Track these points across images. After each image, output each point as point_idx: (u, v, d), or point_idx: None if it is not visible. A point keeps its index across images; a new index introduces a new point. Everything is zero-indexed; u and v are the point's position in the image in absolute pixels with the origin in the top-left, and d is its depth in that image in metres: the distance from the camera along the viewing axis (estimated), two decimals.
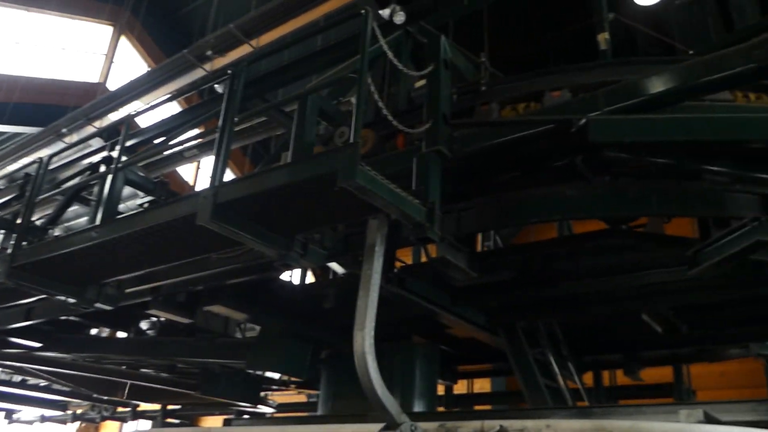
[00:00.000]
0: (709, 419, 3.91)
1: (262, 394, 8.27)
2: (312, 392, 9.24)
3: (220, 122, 3.64)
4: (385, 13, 5.09)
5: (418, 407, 5.54)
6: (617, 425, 3.00)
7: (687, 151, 3.59)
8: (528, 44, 13.72)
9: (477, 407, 8.93)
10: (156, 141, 6.33)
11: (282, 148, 5.19)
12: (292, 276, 7.07)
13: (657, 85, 3.22)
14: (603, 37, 4.58)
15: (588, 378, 7.17)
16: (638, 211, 3.74)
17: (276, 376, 7.14)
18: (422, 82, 4.31)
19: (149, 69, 13.54)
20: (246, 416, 8.48)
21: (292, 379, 7.26)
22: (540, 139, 3.47)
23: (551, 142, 3.51)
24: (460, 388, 8.88)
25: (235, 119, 3.69)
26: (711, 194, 3.57)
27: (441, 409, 7.59)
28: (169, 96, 8.01)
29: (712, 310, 5.40)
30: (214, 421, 12.34)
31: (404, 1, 5.46)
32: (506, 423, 3.14)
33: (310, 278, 7.46)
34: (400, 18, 5.04)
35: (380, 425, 3.30)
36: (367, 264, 3.45)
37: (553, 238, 5.92)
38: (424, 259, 6.01)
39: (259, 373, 6.78)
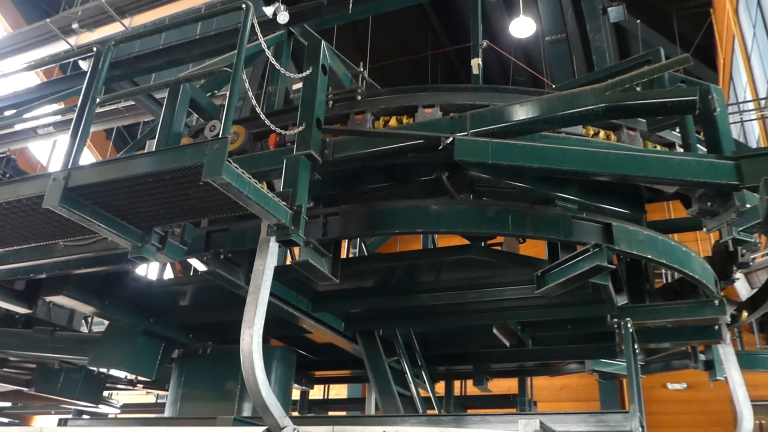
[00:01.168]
0: (545, 429, 4.19)
1: (106, 393, 7.81)
2: (162, 393, 8.85)
3: (79, 101, 3.41)
4: (268, 10, 5.01)
5: None
6: None
7: (542, 178, 3.84)
8: (408, 60, 14.09)
9: (331, 413, 8.97)
10: (6, 113, 5.81)
11: (148, 135, 4.95)
12: (149, 270, 6.75)
13: (519, 114, 3.42)
14: (476, 63, 4.80)
15: (440, 387, 7.45)
16: (495, 230, 3.92)
17: (122, 374, 6.77)
18: (300, 85, 4.29)
19: (6, 34, 12.43)
20: (86, 416, 7.95)
21: (140, 378, 6.91)
22: (409, 153, 3.56)
23: (420, 156, 3.62)
24: (316, 393, 8.88)
25: (98, 99, 3.47)
26: (560, 220, 3.82)
27: (295, 413, 7.54)
28: (26, 66, 7.38)
29: (555, 328, 5.79)
30: (50, 420, 11.47)
31: (290, 2, 5.41)
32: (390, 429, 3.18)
33: (169, 274, 7.16)
34: (283, 17, 4.99)
35: (262, 428, 3.24)
36: (259, 259, 3.39)
37: (417, 249, 6.10)
38: (288, 261, 5.97)
39: (103, 371, 6.39)
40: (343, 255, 6.29)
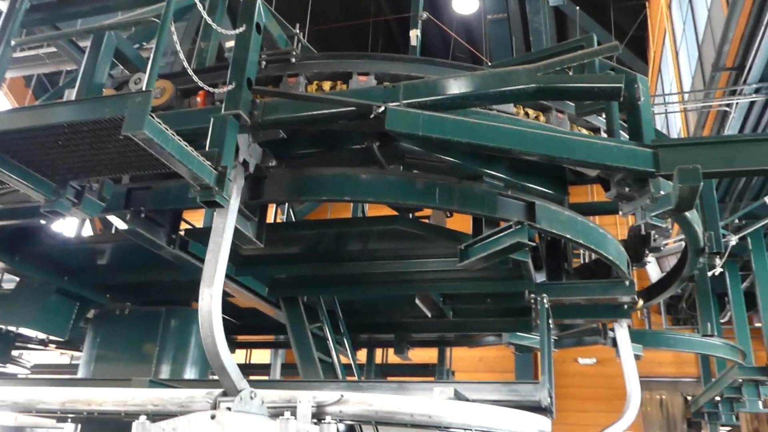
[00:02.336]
0: (459, 396, 4.30)
1: (16, 353, 7.52)
2: (77, 354, 8.59)
3: None
4: None
5: (190, 374, 5.41)
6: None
7: (471, 154, 3.89)
8: (350, 26, 13.91)
9: (252, 378, 8.95)
10: None
11: (69, 85, 4.71)
12: (66, 226, 6.48)
13: (453, 88, 3.43)
14: (414, 34, 4.78)
15: (362, 355, 7.55)
16: (423, 202, 3.96)
17: (33, 334, 6.51)
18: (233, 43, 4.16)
19: None
20: None
21: (52, 338, 6.67)
22: (341, 120, 3.53)
23: (352, 124, 3.59)
24: (238, 358, 8.81)
25: (13, 42, 3.26)
26: (486, 196, 3.89)
27: (214, 377, 7.47)
28: None
29: (475, 301, 5.94)
30: None
31: None
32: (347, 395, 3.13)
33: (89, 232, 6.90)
34: None
35: (218, 390, 3.13)
36: (219, 217, 3.30)
37: (345, 218, 6.10)
38: None
39: (12, 329, 6.13)
40: (270, 220, 6.25)
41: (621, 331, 5.86)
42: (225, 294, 5.46)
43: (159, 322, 5.31)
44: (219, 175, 3.21)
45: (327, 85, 3.93)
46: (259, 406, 3.08)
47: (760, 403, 8.87)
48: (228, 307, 6.18)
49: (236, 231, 3.64)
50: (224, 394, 3.10)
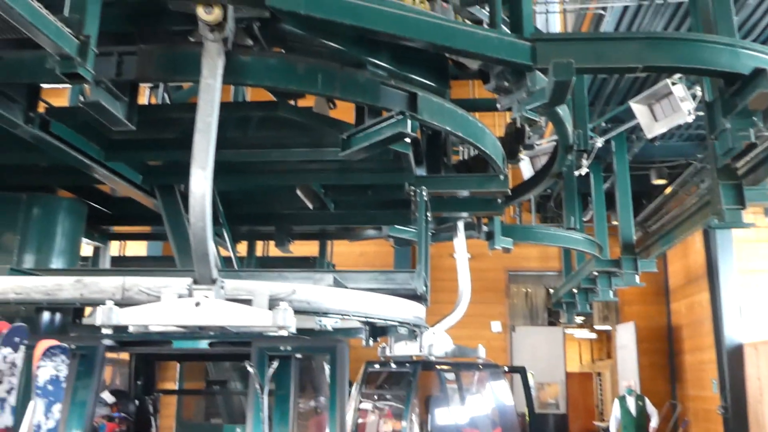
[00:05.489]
0: (337, 285, 4.42)
1: None
2: None
3: None
4: None
5: (57, 266, 5.16)
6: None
7: (355, 40, 3.80)
8: None
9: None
10: None
11: None
12: None
13: None
14: None
15: (242, 248, 7.51)
16: (304, 88, 3.87)
17: None
18: None
19: None
20: None
21: None
22: None
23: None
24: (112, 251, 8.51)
25: None
26: (369, 84, 3.85)
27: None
28: None
29: (356, 193, 6.02)
30: None
31: None
32: None
33: None
34: None
35: (188, 279, 3.05)
36: (204, 96, 3.10)
37: (225, 102, 5.83)
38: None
39: None
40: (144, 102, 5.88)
41: (458, 242, 6.33)
42: (93, 181, 5.18)
43: (19, 210, 4.97)
44: (81, 44, 2.93)
45: None
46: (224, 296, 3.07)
47: (611, 292, 9.86)
48: (98, 195, 5.88)
49: (103, 109, 3.41)
50: (202, 281, 3.03)
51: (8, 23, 2.62)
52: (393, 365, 7.21)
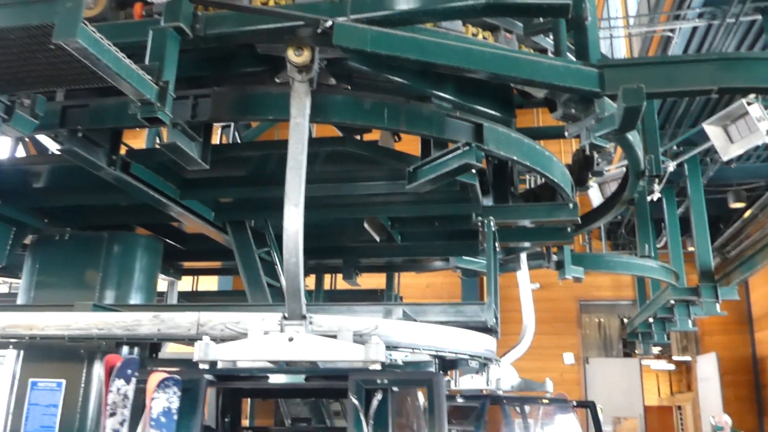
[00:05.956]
0: (407, 318, 4.40)
1: None
2: (15, 281, 8.37)
3: None
4: None
5: (135, 301, 5.35)
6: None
7: (419, 74, 3.84)
8: None
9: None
10: None
11: None
12: None
13: (401, 3, 3.35)
14: None
15: (310, 281, 7.60)
16: (371, 122, 3.92)
17: None
18: None
19: None
20: None
21: None
22: (287, 35, 3.41)
23: (297, 40, 3.48)
24: (185, 285, 8.77)
25: None
26: (435, 116, 3.88)
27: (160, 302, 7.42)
28: None
29: (423, 224, 6.01)
30: None
31: None
32: None
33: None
34: None
35: (278, 314, 3.16)
36: (296, 109, 3.24)
37: None
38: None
39: None
40: (216, 142, 6.10)
41: (521, 274, 6.20)
42: (169, 218, 5.38)
43: (101, 248, 5.19)
44: (160, 90, 3.08)
45: (271, 1, 3.78)
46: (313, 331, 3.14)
47: (689, 321, 9.43)
48: (173, 232, 6.09)
49: (180, 151, 3.55)
50: (292, 317, 3.11)
51: (96, 74, 2.79)
52: (459, 399, 7.08)
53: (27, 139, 5.73)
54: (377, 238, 5.89)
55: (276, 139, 7.15)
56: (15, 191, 4.94)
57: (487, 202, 5.17)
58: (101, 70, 2.76)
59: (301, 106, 3.32)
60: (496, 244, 5.18)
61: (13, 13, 2.65)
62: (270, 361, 3.13)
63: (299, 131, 3.28)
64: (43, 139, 5.57)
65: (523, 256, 6.49)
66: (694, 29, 6.42)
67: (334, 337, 3.09)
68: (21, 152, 6.13)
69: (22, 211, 5.09)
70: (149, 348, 4.52)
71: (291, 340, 3.00)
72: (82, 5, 2.52)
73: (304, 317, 3.11)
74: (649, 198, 7.09)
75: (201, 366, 2.96)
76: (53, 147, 4.52)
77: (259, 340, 3.04)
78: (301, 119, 3.30)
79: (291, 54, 3.29)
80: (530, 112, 10.48)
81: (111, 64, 2.73)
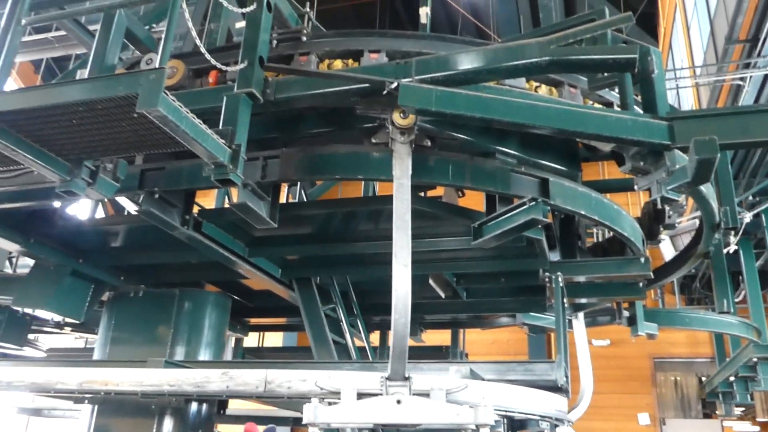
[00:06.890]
0: (474, 376, 4.31)
1: (32, 336, 7.59)
2: (92, 337, 8.66)
3: (2, 21, 3.20)
4: None
5: (204, 357, 5.45)
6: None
7: (483, 130, 3.86)
8: (353, 5, 13.84)
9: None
10: None
11: (80, 66, 4.71)
12: (79, 209, 6.51)
13: (465, 63, 3.41)
14: (424, 11, 4.74)
15: (375, 338, 7.56)
16: (435, 180, 3.94)
17: (49, 316, 6.57)
18: (243, 24, 4.15)
19: None
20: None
21: (68, 320, 6.72)
22: (353, 97, 3.51)
23: (364, 101, 3.57)
24: (251, 341, 8.88)
25: (23, 21, 3.26)
26: (499, 172, 3.87)
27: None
28: None
29: (489, 280, 5.92)
30: None
31: None
32: None
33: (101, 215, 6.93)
34: None
35: (381, 374, 3.16)
36: (399, 195, 3.28)
37: (356, 197, 6.09)
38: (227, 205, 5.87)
39: (28, 312, 6.18)
40: (283, 200, 6.25)
41: (578, 324, 5.97)
42: (237, 275, 5.50)
43: (173, 304, 5.34)
44: (233, 153, 3.20)
45: (338, 64, 3.91)
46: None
47: None
48: (240, 288, 6.21)
49: (249, 210, 3.65)
50: (395, 378, 3.10)
51: (174, 139, 2.93)
52: None
53: (106, 200, 6.02)
54: (442, 295, 5.84)
55: (339, 197, 7.27)
56: (94, 250, 5.17)
57: (554, 256, 5.06)
58: (179, 136, 2.90)
59: (404, 166, 3.36)
60: (565, 300, 5.04)
61: (101, 85, 2.83)
62: (377, 424, 3.08)
63: (403, 191, 3.30)
64: (121, 199, 5.84)
65: (580, 315, 6.28)
66: (766, 77, 6.25)
67: (427, 395, 3.03)
68: (100, 212, 6.45)
69: (101, 269, 5.30)
70: (217, 405, 4.57)
71: (399, 402, 2.96)
72: (164, 77, 2.67)
73: (407, 378, 3.06)
74: (725, 250, 6.80)
75: (311, 430, 2.94)
76: (130, 207, 4.73)
77: (367, 403, 3.00)
78: (405, 180, 3.33)
79: (397, 117, 3.35)
80: (595, 164, 10.34)
81: (189, 129, 2.86)
